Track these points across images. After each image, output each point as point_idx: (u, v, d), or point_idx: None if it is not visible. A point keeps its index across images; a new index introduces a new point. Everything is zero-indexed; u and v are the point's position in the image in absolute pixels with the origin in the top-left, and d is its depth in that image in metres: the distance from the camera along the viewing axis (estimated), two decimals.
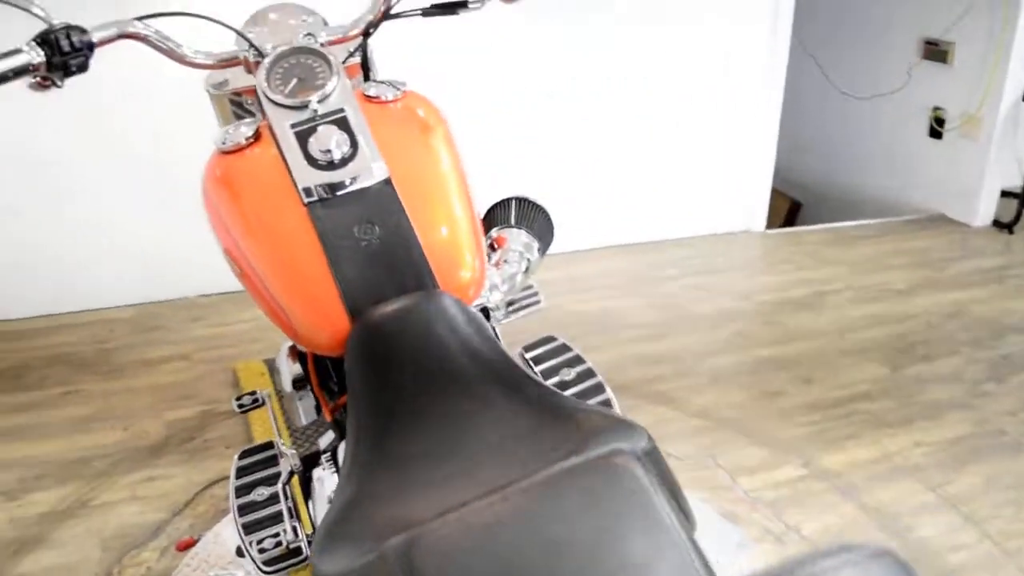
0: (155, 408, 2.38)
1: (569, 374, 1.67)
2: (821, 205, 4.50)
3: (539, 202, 1.60)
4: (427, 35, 1.96)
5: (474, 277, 1.17)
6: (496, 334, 1.59)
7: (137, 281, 2.83)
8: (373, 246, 1.11)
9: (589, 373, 1.65)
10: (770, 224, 3.66)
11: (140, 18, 1.23)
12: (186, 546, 1.84)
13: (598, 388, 1.62)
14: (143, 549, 1.89)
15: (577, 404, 0.97)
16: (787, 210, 4.68)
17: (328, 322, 1.08)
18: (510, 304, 1.68)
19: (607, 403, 1.59)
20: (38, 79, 1.10)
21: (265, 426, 2.24)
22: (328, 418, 1.31)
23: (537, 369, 1.50)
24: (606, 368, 2.49)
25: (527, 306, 1.69)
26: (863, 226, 3.75)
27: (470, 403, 0.98)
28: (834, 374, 2.59)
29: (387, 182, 1.15)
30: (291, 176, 1.13)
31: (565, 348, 1.74)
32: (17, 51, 1.07)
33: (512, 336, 1.55)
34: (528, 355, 1.53)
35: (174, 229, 2.60)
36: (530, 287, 1.69)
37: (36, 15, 1.12)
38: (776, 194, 4.66)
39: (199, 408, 2.36)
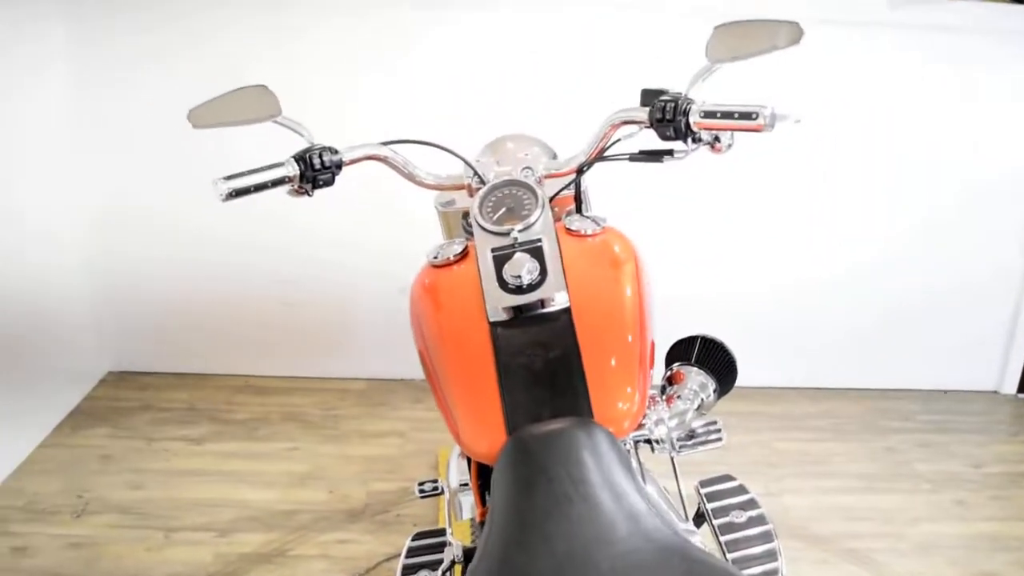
0: (362, 476, 2.57)
1: (741, 516, 1.65)
2: None
3: (725, 343, 1.62)
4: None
5: (631, 410, 1.20)
6: (673, 469, 1.61)
7: (375, 358, 3.10)
8: (540, 369, 1.19)
9: (761, 519, 1.62)
10: None
11: (385, 143, 1.42)
12: None
13: (766, 536, 1.58)
14: None
15: (704, 559, 0.97)
16: None
17: (488, 433, 1.16)
18: (691, 437, 1.68)
19: (771, 553, 1.56)
20: (294, 189, 1.31)
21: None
22: (479, 519, 1.39)
23: (709, 506, 1.49)
24: (799, 514, 2.43)
25: (707, 441, 1.68)
26: None
27: (595, 531, 1.00)
28: None
29: (567, 311, 1.23)
30: (484, 297, 1.25)
31: (742, 490, 1.72)
32: (279, 165, 1.28)
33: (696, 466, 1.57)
34: (704, 490, 1.53)
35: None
36: (714, 423, 1.69)
37: (301, 135, 1.33)
38: None
39: (400, 484, 2.53)
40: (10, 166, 2.59)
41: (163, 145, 2.83)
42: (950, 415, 3.11)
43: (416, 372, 3.01)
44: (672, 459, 1.63)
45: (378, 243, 2.93)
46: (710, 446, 1.67)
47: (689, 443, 1.67)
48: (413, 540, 1.47)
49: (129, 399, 3.00)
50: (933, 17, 2.76)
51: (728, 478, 1.74)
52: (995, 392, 3.28)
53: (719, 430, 1.69)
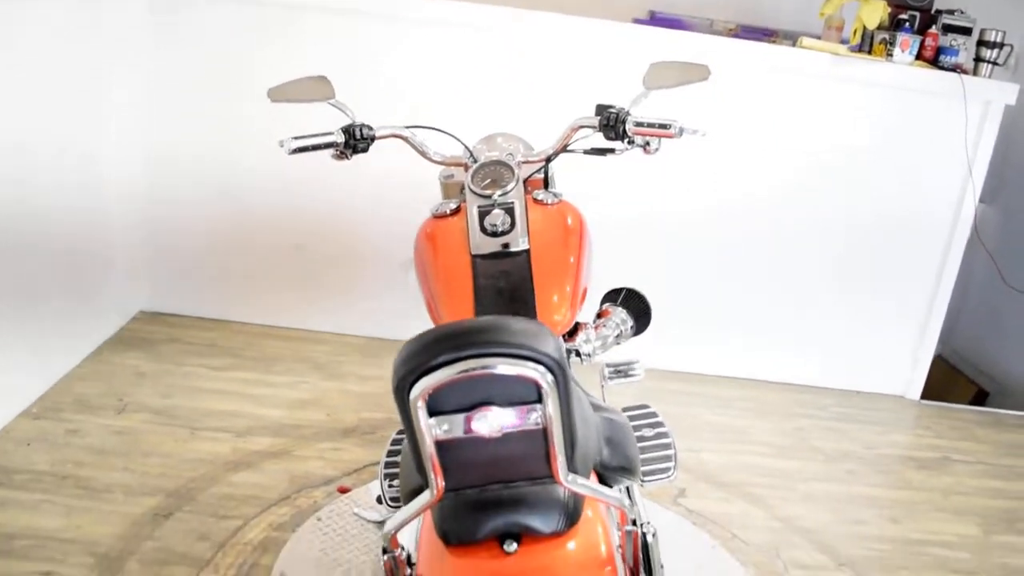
0: (355, 407, 3.10)
1: (650, 432, 2.19)
2: (1009, 397, 4.56)
3: (645, 294, 2.13)
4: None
5: (563, 320, 1.71)
6: (601, 394, 2.10)
7: (375, 320, 3.62)
8: (504, 288, 1.70)
9: (665, 435, 2.15)
10: None
11: (408, 127, 1.95)
12: (344, 491, 2.51)
13: (667, 447, 2.11)
14: (315, 489, 2.58)
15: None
16: (972, 397, 4.76)
17: None
18: (617, 371, 2.18)
19: (667, 458, 2.08)
20: (337, 153, 1.82)
21: None
22: None
23: (631, 424, 2.00)
24: (713, 467, 2.95)
25: (629, 375, 2.18)
26: None
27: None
28: (923, 522, 2.83)
29: (526, 252, 1.75)
30: (468, 239, 1.76)
31: (654, 415, 2.25)
32: (330, 134, 1.79)
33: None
34: (626, 413, 2.05)
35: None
36: (636, 361, 2.20)
37: (347, 114, 1.85)
38: (961, 378, 4.78)
39: (386, 415, 3.05)
40: (79, 104, 3.12)
41: (222, 102, 3.37)
42: (858, 410, 3.63)
43: (406, 333, 3.57)
44: (602, 387, 2.13)
45: (384, 223, 3.46)
46: (631, 379, 2.16)
47: (615, 375, 2.17)
48: (397, 434, 2.00)
49: (159, 333, 3.52)
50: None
51: (646, 407, 2.26)
52: (901, 396, 3.81)
53: (639, 368, 2.19)
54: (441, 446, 0.95)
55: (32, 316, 2.92)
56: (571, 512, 1.07)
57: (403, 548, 1.09)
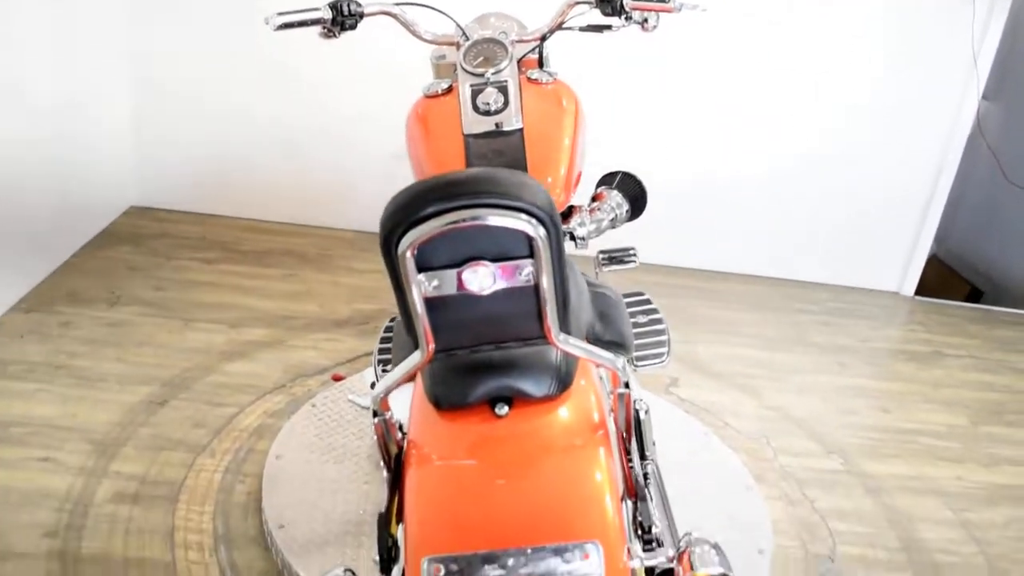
0: (348, 299, 3.09)
1: (643, 319, 2.18)
2: (1003, 295, 4.56)
3: (640, 178, 2.09)
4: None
5: (557, 201, 1.69)
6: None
7: (364, 212, 3.57)
8: (497, 167, 1.66)
9: (659, 322, 2.14)
10: None
11: (397, 3, 1.87)
12: (338, 379, 2.52)
13: (661, 332, 2.10)
14: (309, 377, 2.59)
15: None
16: (965, 295, 4.77)
17: None
18: (611, 258, 2.16)
19: (661, 344, 2.08)
20: (324, 30, 1.76)
21: None
22: None
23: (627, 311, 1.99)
24: (706, 358, 2.96)
25: (624, 262, 2.16)
26: (1020, 315, 3.86)
27: None
28: (913, 412, 2.86)
29: (520, 131, 1.70)
30: (460, 118, 1.71)
31: (649, 302, 2.23)
32: (316, 9, 1.73)
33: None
34: (624, 300, 2.03)
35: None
36: (632, 249, 2.17)
37: None
38: (955, 277, 4.79)
39: (380, 306, 3.04)
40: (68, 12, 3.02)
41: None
42: (853, 306, 3.64)
43: None
44: (596, 275, 2.11)
45: (374, 113, 3.37)
46: (626, 265, 2.14)
47: (609, 262, 2.16)
48: (390, 322, 1.98)
49: (149, 228, 3.48)
50: None
51: (640, 293, 2.25)
52: (896, 293, 3.81)
53: (634, 255, 2.17)
54: (431, 305, 0.93)
55: (21, 211, 2.88)
56: (563, 376, 1.06)
57: (394, 413, 1.08)
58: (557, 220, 0.90)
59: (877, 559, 2.19)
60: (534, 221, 0.87)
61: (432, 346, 0.95)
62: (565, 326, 0.98)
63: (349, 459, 2.15)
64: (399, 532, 1.06)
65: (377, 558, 1.03)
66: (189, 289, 3.04)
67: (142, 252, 3.26)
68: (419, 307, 0.92)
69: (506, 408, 1.04)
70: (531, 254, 0.89)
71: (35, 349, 2.61)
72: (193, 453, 2.26)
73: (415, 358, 0.97)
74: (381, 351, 1.96)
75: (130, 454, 2.24)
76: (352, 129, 3.46)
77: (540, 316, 0.94)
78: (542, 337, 0.96)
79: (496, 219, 0.86)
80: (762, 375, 2.95)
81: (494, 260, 0.90)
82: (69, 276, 3.04)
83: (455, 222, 0.86)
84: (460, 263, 0.90)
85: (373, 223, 0.98)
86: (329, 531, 1.93)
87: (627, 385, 1.06)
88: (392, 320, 1.96)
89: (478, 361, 1.03)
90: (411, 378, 1.32)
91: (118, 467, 2.19)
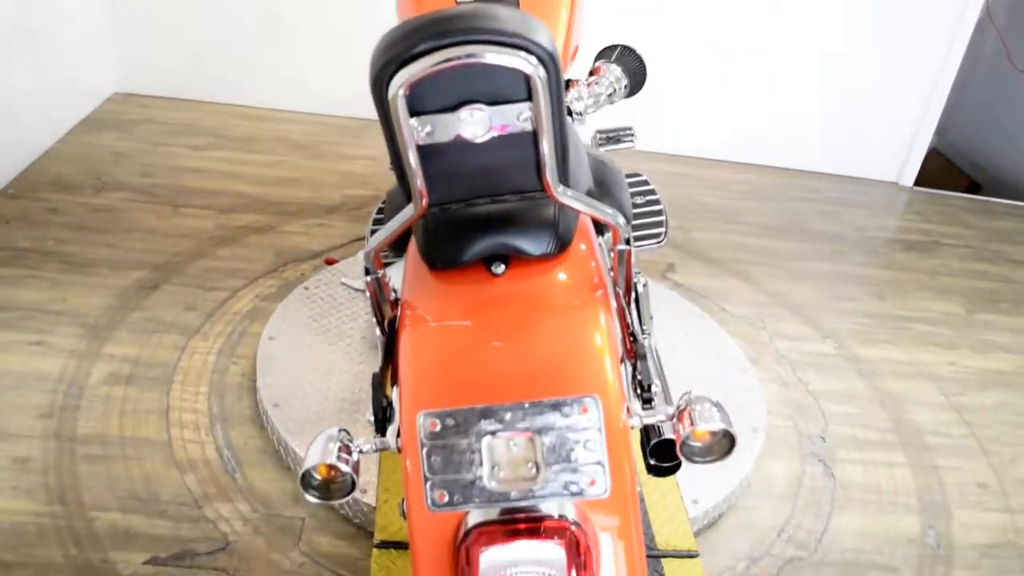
0: (340, 185, 3.03)
1: (640, 200, 2.13)
2: (1002, 188, 4.52)
3: (640, 52, 2.02)
4: None
5: None
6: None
7: (356, 98, 3.47)
8: None
9: (657, 203, 2.10)
10: None
11: None
12: (331, 262, 2.49)
13: (659, 213, 2.06)
14: (302, 262, 2.56)
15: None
16: (963, 189, 4.73)
17: None
18: (609, 137, 2.11)
19: (659, 224, 2.04)
20: None
21: None
22: None
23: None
24: (703, 244, 2.93)
25: (621, 141, 2.11)
26: (1018, 207, 3.83)
27: None
28: (909, 300, 2.85)
29: (516, 2, 1.63)
30: None
31: (647, 183, 2.19)
32: None
33: None
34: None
35: None
36: (629, 128, 2.11)
37: None
38: (953, 170, 4.73)
39: (372, 192, 2.99)
40: None
41: None
42: (851, 194, 3.60)
43: None
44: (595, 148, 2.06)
45: None
46: (624, 145, 2.09)
47: (607, 142, 2.10)
48: (384, 202, 1.93)
49: (134, 114, 3.39)
50: None
51: (637, 174, 2.20)
52: (895, 183, 3.76)
53: (632, 135, 2.11)
54: (424, 154, 0.88)
55: (2, 97, 2.80)
56: (562, 235, 1.02)
57: (388, 274, 1.05)
58: (558, 60, 0.84)
59: (868, 440, 2.21)
60: (534, 60, 0.82)
61: (426, 199, 0.91)
62: (564, 179, 0.93)
63: (343, 341, 2.14)
64: (394, 394, 1.04)
65: (372, 418, 1.01)
66: (177, 175, 2.98)
67: (127, 139, 3.19)
68: (411, 156, 0.88)
69: (502, 267, 1.00)
70: (530, 97, 0.84)
71: (22, 235, 2.57)
72: (186, 336, 2.25)
73: (408, 211, 0.93)
74: (374, 223, 1.94)
75: (123, 337, 2.22)
76: (342, 6, 3.34)
77: (539, 167, 0.90)
78: (540, 190, 0.92)
79: (493, 56, 0.81)
80: (759, 262, 2.93)
81: (490, 104, 0.85)
82: (54, 163, 2.97)
83: (450, 59, 0.81)
84: (454, 107, 0.85)
85: (366, 109, 0.92)
86: (324, 409, 1.92)
87: (628, 242, 1.02)
88: (384, 203, 1.91)
89: (473, 217, 1.00)
90: (404, 247, 1.29)
91: (111, 350, 2.18)
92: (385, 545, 1.63)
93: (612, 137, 2.10)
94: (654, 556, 1.69)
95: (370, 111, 0.89)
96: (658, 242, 1.96)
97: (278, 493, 1.84)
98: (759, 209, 3.32)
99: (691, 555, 1.68)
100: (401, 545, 1.63)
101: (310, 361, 2.06)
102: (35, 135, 3.02)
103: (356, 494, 1.77)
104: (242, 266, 2.52)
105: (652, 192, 2.11)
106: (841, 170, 3.75)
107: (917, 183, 3.81)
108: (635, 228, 1.95)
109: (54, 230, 2.61)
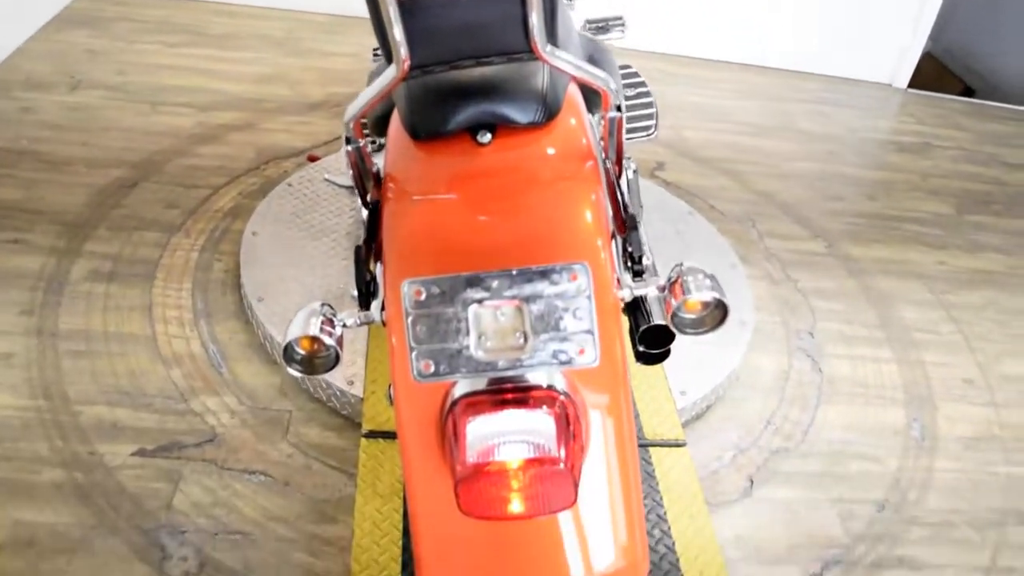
0: (320, 82, 2.95)
1: (631, 92, 2.07)
2: (995, 93, 4.45)
3: None
4: None
5: None
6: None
7: None
8: None
9: (648, 95, 2.05)
10: None
11: None
12: (314, 159, 2.43)
13: (648, 114, 2.01)
14: (284, 159, 2.51)
15: None
16: (958, 93, 4.66)
17: None
18: (599, 27, 2.04)
19: (649, 116, 1.99)
20: None
21: None
22: None
23: None
24: (693, 143, 2.88)
25: (611, 29, 2.04)
26: (1013, 111, 3.78)
27: None
28: (899, 200, 2.83)
29: None
30: None
31: (639, 80, 2.13)
32: None
33: None
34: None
35: None
36: (619, 18, 2.04)
37: None
38: (948, 75, 4.66)
39: (354, 90, 2.89)
40: None
41: None
42: (844, 96, 3.53)
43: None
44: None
45: None
46: (612, 35, 2.02)
47: (597, 32, 2.03)
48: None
49: (107, 11, 3.27)
50: None
51: (627, 67, 2.14)
52: (889, 85, 3.70)
53: (623, 24, 2.04)
54: (405, 10, 0.84)
55: None
56: (550, 103, 0.98)
57: (369, 137, 1.01)
58: None
59: (856, 336, 2.21)
60: None
61: (407, 60, 0.87)
62: (552, 39, 0.89)
63: (327, 236, 2.10)
64: (377, 270, 1.01)
65: (355, 293, 0.99)
66: (154, 73, 2.88)
67: (101, 36, 3.08)
68: (392, 11, 0.83)
69: (489, 136, 0.97)
70: None
71: None
72: (168, 233, 2.20)
73: (390, 73, 0.89)
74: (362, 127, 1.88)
75: (103, 235, 2.18)
76: None
77: (525, 25, 0.86)
78: (528, 50, 0.88)
79: None
80: (749, 161, 2.89)
81: None
82: (25, 61, 2.87)
83: None
84: None
85: (347, 5, 0.87)
86: (308, 303, 1.90)
87: (619, 108, 0.98)
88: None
89: (458, 83, 0.95)
90: (386, 128, 1.24)
91: (91, 247, 2.14)
92: (373, 435, 1.62)
93: (601, 26, 2.04)
94: (642, 445, 1.69)
95: (350, 7, 0.84)
96: (648, 134, 1.92)
97: (264, 387, 1.83)
98: (750, 109, 3.26)
99: (678, 444, 1.68)
100: (389, 435, 1.63)
101: (294, 256, 2.03)
102: (4, 33, 2.91)
103: (343, 385, 1.77)
104: (223, 164, 2.46)
105: (643, 84, 2.06)
106: (835, 71, 3.67)
107: (911, 88, 3.75)
108: (626, 120, 1.90)
109: (28, 128, 2.53)
